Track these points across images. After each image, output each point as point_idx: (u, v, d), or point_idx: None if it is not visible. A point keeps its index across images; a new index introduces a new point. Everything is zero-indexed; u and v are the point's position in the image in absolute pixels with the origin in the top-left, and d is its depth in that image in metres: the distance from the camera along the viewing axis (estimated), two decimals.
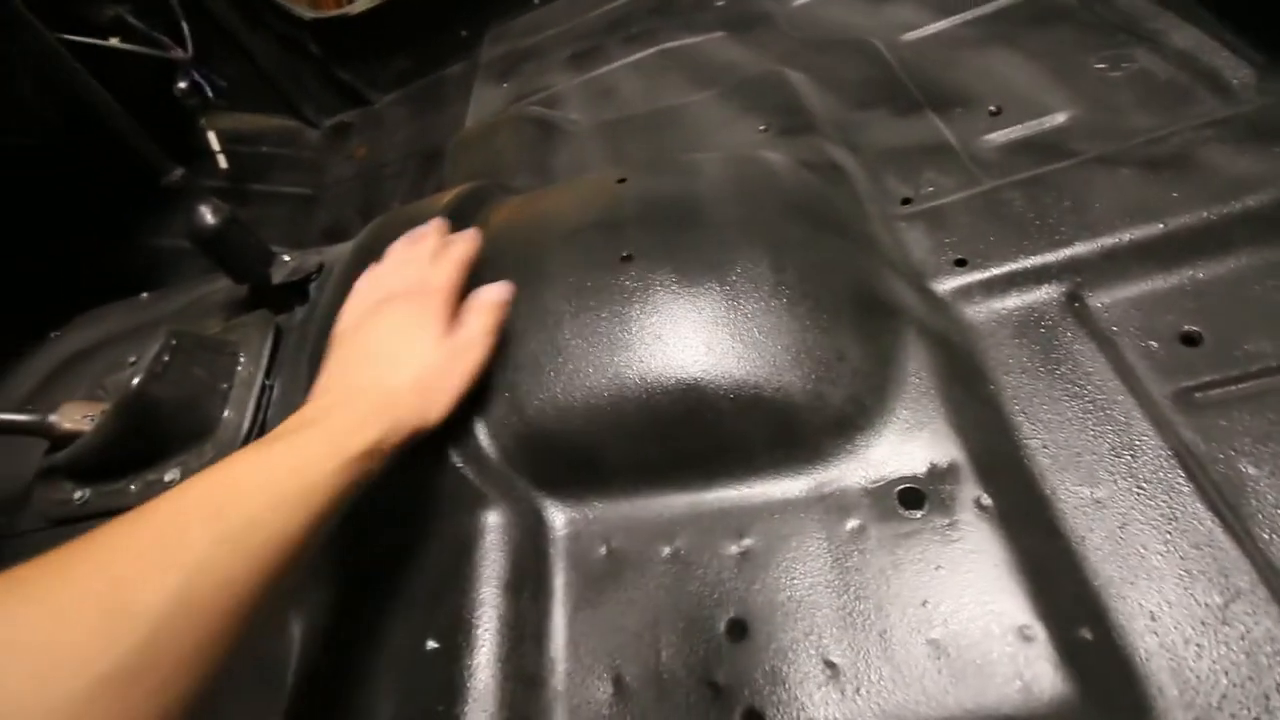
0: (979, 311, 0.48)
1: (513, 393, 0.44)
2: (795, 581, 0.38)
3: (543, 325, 0.46)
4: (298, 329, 0.57)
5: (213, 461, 0.48)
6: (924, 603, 0.35)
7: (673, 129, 0.73)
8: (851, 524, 0.39)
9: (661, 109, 0.77)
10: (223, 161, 1.06)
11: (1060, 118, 0.59)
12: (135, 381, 0.46)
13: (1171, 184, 0.48)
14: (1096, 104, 0.58)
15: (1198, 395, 0.40)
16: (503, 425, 0.44)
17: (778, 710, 0.34)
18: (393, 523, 0.44)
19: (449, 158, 0.84)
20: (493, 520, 0.43)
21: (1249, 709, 0.30)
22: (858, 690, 0.34)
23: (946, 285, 0.49)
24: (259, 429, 0.50)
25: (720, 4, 0.95)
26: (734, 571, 0.40)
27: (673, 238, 0.48)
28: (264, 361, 0.53)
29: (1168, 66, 0.58)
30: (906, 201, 0.57)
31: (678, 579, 0.40)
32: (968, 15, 0.74)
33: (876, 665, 0.34)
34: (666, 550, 0.42)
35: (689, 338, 0.43)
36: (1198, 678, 0.32)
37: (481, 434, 0.44)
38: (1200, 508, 0.36)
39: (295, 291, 0.60)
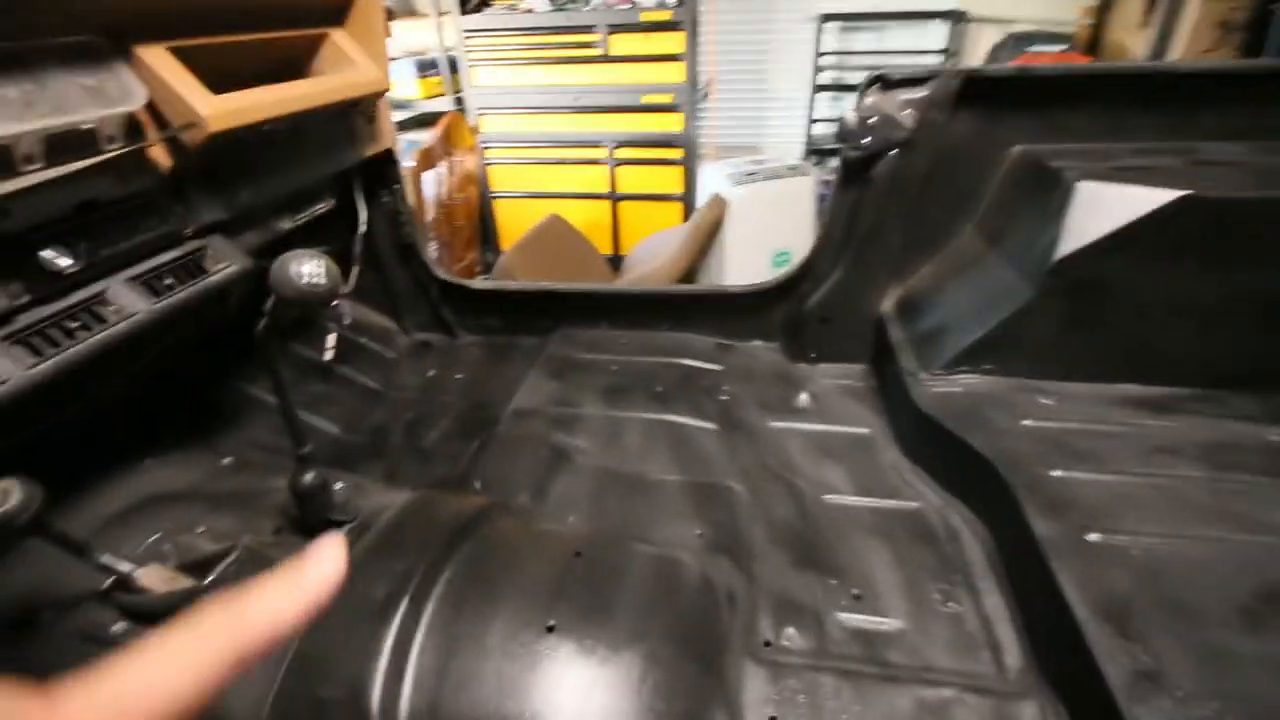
0: None
1: (435, 698, 0.63)
2: None
3: (477, 654, 0.66)
4: None
5: None
6: None
7: (642, 501, 0.99)
8: None
9: (644, 479, 1.04)
10: (329, 355, 1.38)
11: (894, 624, 0.81)
12: (209, 580, 0.67)
13: None
14: (919, 625, 0.81)
15: None
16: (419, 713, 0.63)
17: None
18: None
19: (485, 448, 1.11)
20: None
21: None
22: None
23: None
24: None
25: (724, 399, 1.27)
26: None
27: (587, 620, 0.70)
28: None
29: (974, 620, 0.82)
30: (767, 644, 0.79)
31: None
32: (873, 501, 1.01)
33: None
34: None
35: (564, 702, 0.63)
36: None
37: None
38: None
39: (333, 527, 0.82)
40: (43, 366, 0.68)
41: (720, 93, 3.86)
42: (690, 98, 2.82)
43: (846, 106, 3.92)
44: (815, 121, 3.91)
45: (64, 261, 0.71)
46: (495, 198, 3.38)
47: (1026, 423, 0.94)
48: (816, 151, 3.92)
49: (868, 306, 1.29)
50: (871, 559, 0.91)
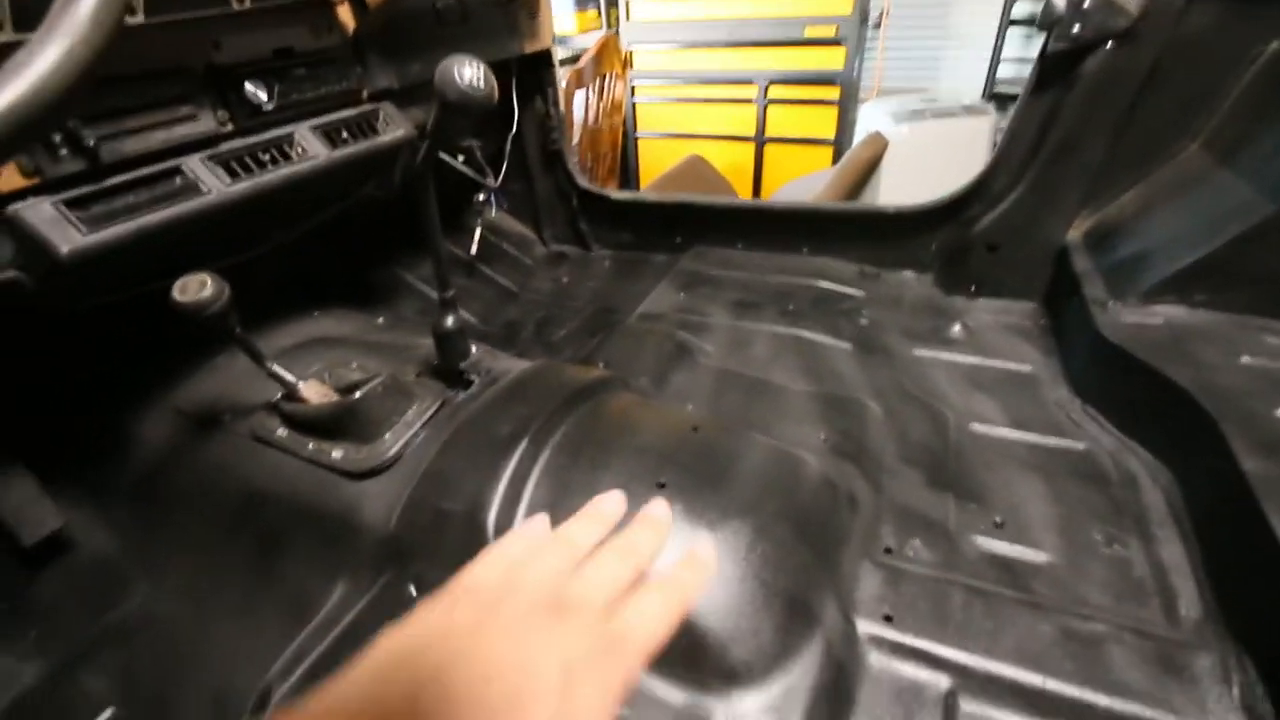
0: (878, 661, 0.61)
1: None
2: None
3: (587, 496, 0.66)
4: (452, 406, 0.82)
5: (363, 460, 0.73)
6: None
7: (765, 402, 0.94)
8: None
9: (769, 383, 0.99)
10: (474, 248, 1.45)
11: (1041, 557, 0.72)
12: (358, 395, 0.73)
13: (1071, 655, 0.60)
14: (1073, 562, 0.71)
15: None
16: None
17: None
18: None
19: (610, 336, 1.12)
20: None
21: None
22: None
23: (867, 628, 0.63)
24: (397, 459, 0.74)
25: (864, 323, 1.18)
26: None
27: (698, 485, 0.68)
28: (425, 417, 0.79)
29: (1144, 566, 0.70)
30: (888, 551, 0.73)
31: None
32: (1031, 436, 0.90)
33: None
34: None
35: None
36: None
37: None
38: None
39: (464, 380, 0.86)
40: (238, 186, 0.76)
41: (892, 27, 3.54)
42: (857, 31, 2.61)
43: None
44: (1002, 61, 3.45)
45: (262, 96, 0.79)
46: (639, 137, 3.38)
47: (1245, 359, 0.78)
48: (997, 96, 3.49)
49: (1048, 234, 1.13)
50: (1022, 492, 0.81)
